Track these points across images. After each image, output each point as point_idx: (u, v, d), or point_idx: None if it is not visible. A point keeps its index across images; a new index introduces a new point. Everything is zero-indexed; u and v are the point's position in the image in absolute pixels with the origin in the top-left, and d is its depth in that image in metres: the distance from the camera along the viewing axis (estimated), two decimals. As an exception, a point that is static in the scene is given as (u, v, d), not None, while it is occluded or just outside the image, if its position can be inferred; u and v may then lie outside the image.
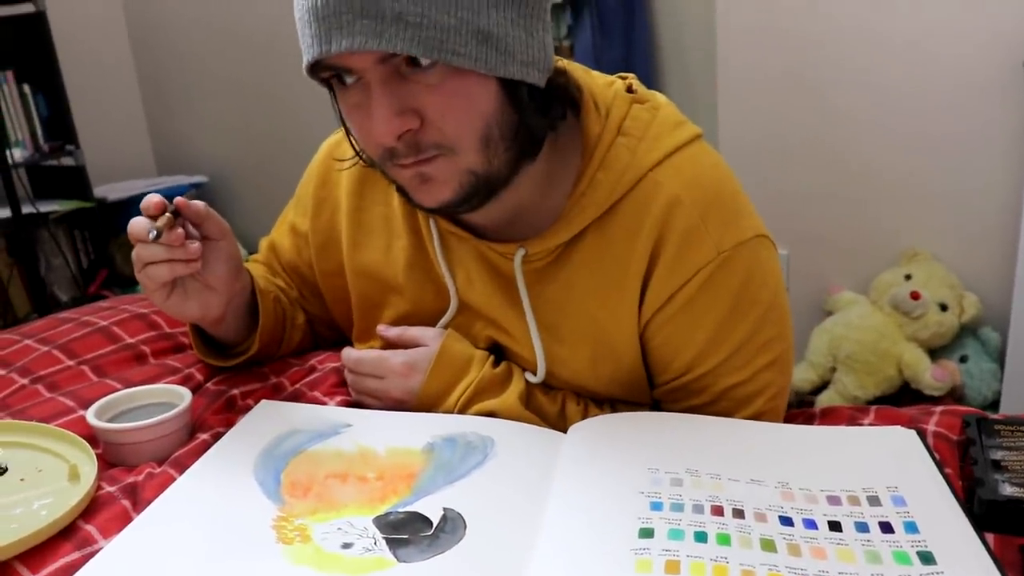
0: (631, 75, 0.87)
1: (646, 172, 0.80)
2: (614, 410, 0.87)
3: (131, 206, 2.90)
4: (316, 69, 0.71)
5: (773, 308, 0.82)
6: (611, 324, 0.83)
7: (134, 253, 0.81)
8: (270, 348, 0.99)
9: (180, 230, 0.79)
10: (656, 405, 0.89)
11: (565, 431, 0.83)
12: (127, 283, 2.78)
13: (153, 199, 0.79)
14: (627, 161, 0.80)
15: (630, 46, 2.34)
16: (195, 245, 0.80)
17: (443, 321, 0.91)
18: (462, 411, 0.86)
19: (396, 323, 0.93)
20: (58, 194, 2.73)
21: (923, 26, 1.90)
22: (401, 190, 0.80)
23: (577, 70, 0.83)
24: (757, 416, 0.84)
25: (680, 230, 0.79)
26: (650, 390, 0.88)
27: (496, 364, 0.88)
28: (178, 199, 0.82)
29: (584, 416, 0.85)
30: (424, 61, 0.68)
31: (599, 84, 0.84)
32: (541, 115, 0.76)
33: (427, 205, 0.77)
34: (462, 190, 0.74)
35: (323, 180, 0.97)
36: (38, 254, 2.64)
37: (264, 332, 0.96)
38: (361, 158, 0.83)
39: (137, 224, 0.79)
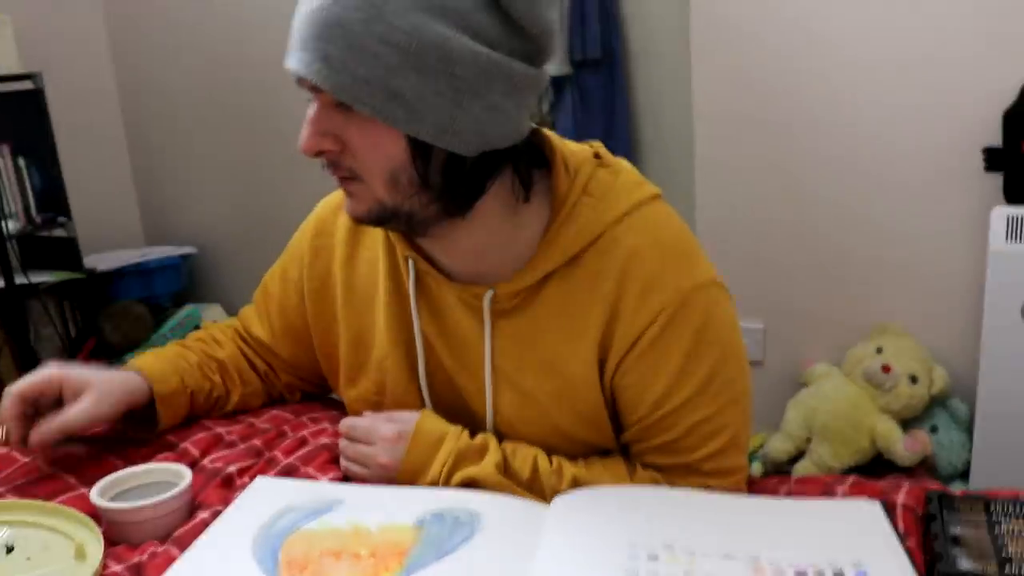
0: (598, 143, 0.96)
1: (606, 228, 0.88)
2: (586, 466, 0.92)
3: (121, 276, 2.94)
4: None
5: (731, 349, 0.90)
6: (572, 363, 0.90)
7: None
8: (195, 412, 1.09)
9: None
10: (624, 450, 0.95)
11: (541, 491, 0.89)
12: (114, 352, 2.80)
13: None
14: (589, 217, 0.88)
15: (610, 123, 2.43)
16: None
17: (420, 367, 0.98)
18: (447, 480, 0.90)
19: (378, 362, 1.00)
20: (48, 264, 2.76)
21: (889, 113, 2.00)
22: None
23: (553, 137, 0.92)
24: (722, 449, 0.90)
25: (641, 278, 0.87)
26: (615, 434, 0.94)
27: (471, 436, 0.94)
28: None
29: (557, 472, 0.91)
30: (349, 104, 0.77)
31: (570, 149, 0.93)
32: (467, 179, 0.83)
33: (349, 215, 0.88)
34: (374, 213, 0.85)
35: (319, 231, 1.05)
36: (28, 324, 2.66)
37: (169, 423, 1.06)
38: None
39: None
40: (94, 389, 0.96)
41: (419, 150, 0.80)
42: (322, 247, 1.04)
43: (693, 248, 0.91)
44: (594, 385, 0.91)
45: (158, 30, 3.11)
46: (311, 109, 0.82)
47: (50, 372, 0.97)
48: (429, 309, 0.97)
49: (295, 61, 0.78)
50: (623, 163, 0.95)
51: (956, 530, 0.79)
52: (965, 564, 0.74)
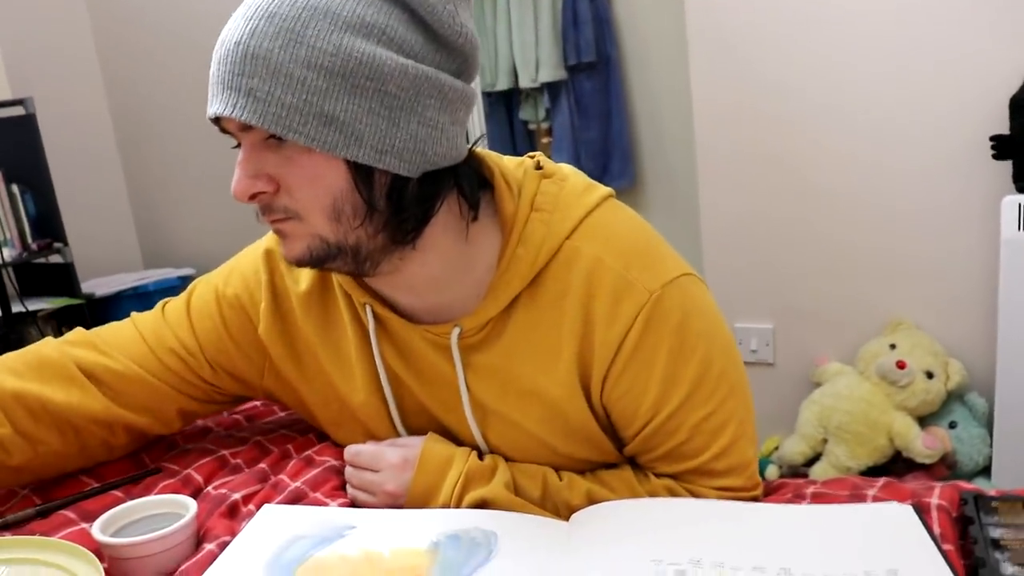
0: (539, 153, 0.93)
1: (563, 241, 0.85)
2: (597, 478, 0.90)
3: (119, 301, 2.90)
4: (218, 124, 0.78)
5: (717, 339, 0.86)
6: (553, 386, 0.87)
7: None
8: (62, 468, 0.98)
9: None
10: (632, 461, 0.92)
11: (554, 507, 0.86)
12: (115, 378, 2.77)
13: None
14: (543, 234, 0.84)
15: (607, 127, 2.41)
16: None
17: (393, 412, 0.94)
18: (458, 502, 0.87)
19: (359, 408, 0.96)
20: (46, 291, 2.74)
21: (893, 104, 1.98)
22: None
23: (489, 156, 0.88)
24: (731, 444, 0.87)
25: (608, 286, 0.83)
26: (614, 447, 0.91)
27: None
28: None
29: (568, 486, 0.88)
30: (281, 135, 0.73)
31: (510, 166, 0.89)
32: (412, 204, 0.79)
33: (285, 259, 0.83)
34: (316, 251, 0.80)
35: (275, 293, 0.98)
36: (26, 352, 2.64)
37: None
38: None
39: None
40: None
41: (360, 175, 0.76)
42: (284, 310, 0.97)
43: (656, 244, 0.88)
44: (580, 404, 0.87)
45: (150, 51, 3.10)
46: (241, 154, 0.78)
47: None
48: (398, 353, 0.92)
49: (217, 104, 0.74)
50: (567, 169, 0.91)
51: (996, 533, 0.76)
52: (1009, 569, 0.70)
